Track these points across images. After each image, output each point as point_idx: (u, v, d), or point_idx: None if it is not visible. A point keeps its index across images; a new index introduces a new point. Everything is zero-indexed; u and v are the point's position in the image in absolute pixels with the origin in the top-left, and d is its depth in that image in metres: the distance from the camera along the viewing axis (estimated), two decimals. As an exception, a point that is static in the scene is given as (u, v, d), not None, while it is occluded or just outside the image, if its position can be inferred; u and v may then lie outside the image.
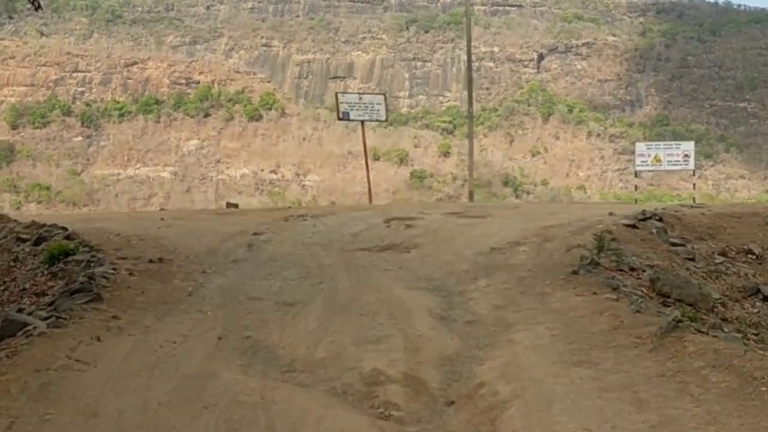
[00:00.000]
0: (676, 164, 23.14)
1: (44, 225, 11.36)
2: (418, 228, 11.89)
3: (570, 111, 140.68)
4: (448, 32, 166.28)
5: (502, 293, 8.55)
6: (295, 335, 6.98)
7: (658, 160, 22.41)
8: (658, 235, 12.17)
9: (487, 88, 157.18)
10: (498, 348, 6.71)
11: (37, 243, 10.66)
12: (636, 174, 30.20)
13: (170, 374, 6.01)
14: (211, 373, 6.03)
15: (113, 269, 8.58)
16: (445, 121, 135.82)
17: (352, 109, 17.85)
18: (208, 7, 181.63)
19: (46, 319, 6.75)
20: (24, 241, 10.96)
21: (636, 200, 30.12)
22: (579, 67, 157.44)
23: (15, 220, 12.14)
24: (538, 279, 8.99)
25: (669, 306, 8.00)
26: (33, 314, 7.29)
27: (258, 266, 9.63)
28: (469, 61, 18.90)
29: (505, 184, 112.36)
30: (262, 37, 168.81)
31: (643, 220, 12.54)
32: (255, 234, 11.66)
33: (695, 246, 11.47)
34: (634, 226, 12.04)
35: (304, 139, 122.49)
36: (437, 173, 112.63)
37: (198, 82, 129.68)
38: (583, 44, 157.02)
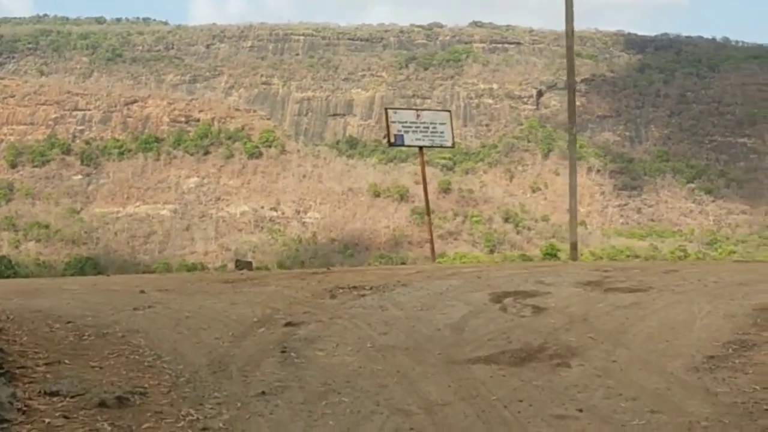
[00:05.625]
0: None
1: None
2: (553, 312, 7.28)
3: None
4: (447, 69, 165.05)
5: None
6: None
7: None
8: None
9: (486, 125, 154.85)
10: None
11: None
12: None
13: None
14: None
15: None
16: (445, 158, 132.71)
17: (407, 131, 13.06)
18: (208, 46, 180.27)
19: None
20: None
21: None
22: (578, 103, 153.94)
23: None
24: None
25: None
26: None
27: (309, 408, 4.99)
28: (571, 85, 14.26)
29: (506, 220, 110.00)
30: (261, 75, 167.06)
31: None
32: (289, 324, 7.02)
33: None
34: None
35: (304, 176, 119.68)
36: (438, 209, 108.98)
37: (198, 120, 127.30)
38: (582, 81, 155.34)
